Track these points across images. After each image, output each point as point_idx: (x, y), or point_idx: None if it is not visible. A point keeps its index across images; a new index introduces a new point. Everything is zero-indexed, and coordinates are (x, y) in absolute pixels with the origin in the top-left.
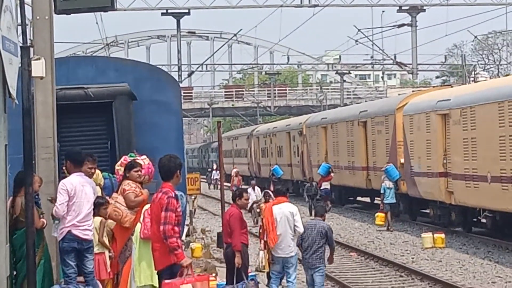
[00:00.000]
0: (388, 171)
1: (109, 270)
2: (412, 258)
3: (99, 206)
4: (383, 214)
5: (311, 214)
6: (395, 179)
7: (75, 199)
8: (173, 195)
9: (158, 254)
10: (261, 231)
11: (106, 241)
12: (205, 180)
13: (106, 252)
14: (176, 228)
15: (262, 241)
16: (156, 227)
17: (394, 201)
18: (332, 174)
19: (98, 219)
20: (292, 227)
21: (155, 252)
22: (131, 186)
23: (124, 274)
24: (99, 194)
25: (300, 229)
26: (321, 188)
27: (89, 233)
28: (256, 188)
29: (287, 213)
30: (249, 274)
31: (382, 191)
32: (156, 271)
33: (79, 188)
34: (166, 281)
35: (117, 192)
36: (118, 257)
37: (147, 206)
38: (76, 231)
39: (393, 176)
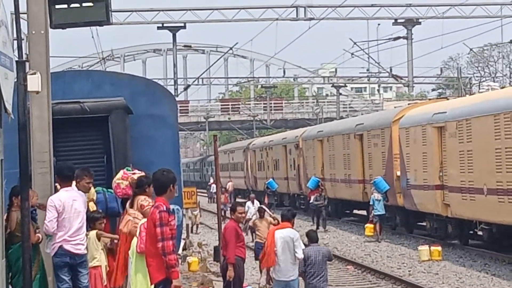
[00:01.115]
0: (376, 184)
1: (105, 283)
2: (409, 271)
3: (94, 221)
4: (372, 225)
5: (317, 228)
6: (384, 191)
7: (65, 215)
8: (165, 209)
9: (152, 269)
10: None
11: (103, 255)
12: (206, 195)
13: (102, 266)
14: (170, 242)
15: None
16: (150, 242)
17: (383, 212)
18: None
19: (93, 232)
20: (292, 252)
21: (149, 267)
22: (148, 201)
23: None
24: (94, 209)
25: (299, 255)
26: (310, 201)
27: (82, 248)
28: (255, 201)
29: (288, 239)
30: None
31: (371, 203)
32: (152, 285)
33: (68, 203)
34: None
35: (131, 207)
36: None
37: (143, 221)
38: (67, 246)
39: (381, 188)
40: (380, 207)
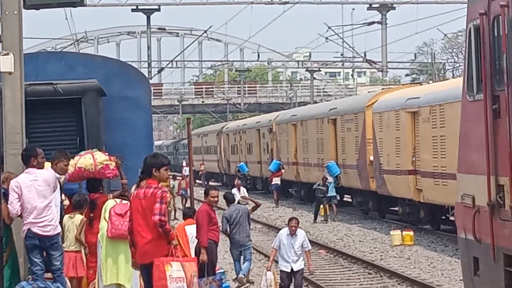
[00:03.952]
0: (329, 167)
1: (85, 267)
2: (381, 255)
3: (80, 207)
4: (325, 206)
5: (315, 221)
6: (335, 174)
7: (23, 196)
8: (165, 190)
9: (150, 246)
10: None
11: (83, 239)
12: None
13: (83, 250)
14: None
15: (270, 262)
16: (150, 219)
17: (334, 194)
18: (282, 171)
19: (79, 217)
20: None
21: (147, 244)
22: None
23: None
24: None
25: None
26: (272, 183)
27: (51, 229)
28: (242, 188)
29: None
30: (217, 271)
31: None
32: (146, 263)
33: (26, 184)
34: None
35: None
36: None
37: (111, 204)
38: (35, 228)
39: (333, 171)
40: (331, 190)
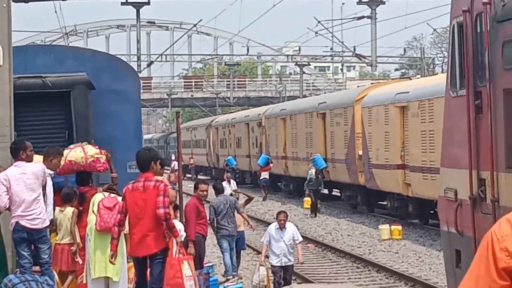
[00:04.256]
0: (315, 161)
1: (80, 261)
2: (369, 249)
3: (70, 199)
4: (309, 199)
5: (312, 213)
6: (320, 168)
7: (11, 189)
8: (167, 183)
9: (152, 238)
10: None
11: (76, 232)
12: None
13: (76, 245)
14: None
15: (263, 257)
16: (151, 212)
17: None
18: (271, 165)
19: (70, 209)
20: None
21: (144, 238)
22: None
23: None
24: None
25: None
26: (261, 178)
27: (38, 222)
28: (232, 181)
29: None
30: (205, 265)
31: (308, 178)
32: (140, 256)
33: (15, 177)
34: (171, 258)
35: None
36: None
37: (100, 197)
38: (23, 221)
39: (319, 165)
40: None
